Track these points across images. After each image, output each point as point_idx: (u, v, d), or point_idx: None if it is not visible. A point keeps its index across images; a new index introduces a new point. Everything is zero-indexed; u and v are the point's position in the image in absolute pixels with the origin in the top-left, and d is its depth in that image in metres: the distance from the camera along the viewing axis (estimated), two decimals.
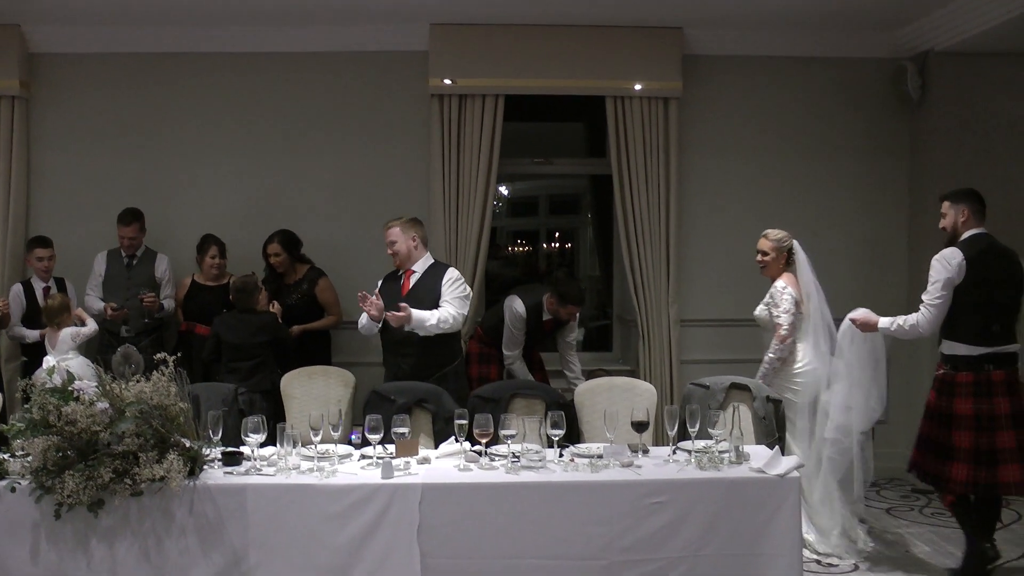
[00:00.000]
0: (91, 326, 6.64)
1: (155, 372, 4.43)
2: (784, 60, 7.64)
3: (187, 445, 4.32)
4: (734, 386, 5.59)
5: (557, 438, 4.53)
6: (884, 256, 7.63)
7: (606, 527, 4.21)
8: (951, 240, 5.50)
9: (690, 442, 4.65)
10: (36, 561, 4.15)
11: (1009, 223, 7.26)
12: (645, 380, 6.72)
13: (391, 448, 4.62)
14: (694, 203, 7.56)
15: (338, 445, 4.66)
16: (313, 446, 4.57)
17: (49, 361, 6.38)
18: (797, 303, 5.88)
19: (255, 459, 4.44)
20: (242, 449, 4.51)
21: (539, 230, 12.06)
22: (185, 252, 7.29)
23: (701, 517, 4.22)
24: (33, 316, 6.94)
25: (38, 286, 7.04)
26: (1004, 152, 7.34)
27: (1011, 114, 7.34)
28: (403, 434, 4.60)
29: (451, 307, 5.76)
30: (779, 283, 5.95)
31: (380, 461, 4.45)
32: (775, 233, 6.05)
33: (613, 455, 4.48)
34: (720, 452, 4.47)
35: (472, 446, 4.59)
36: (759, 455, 4.47)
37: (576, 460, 4.49)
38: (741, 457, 4.45)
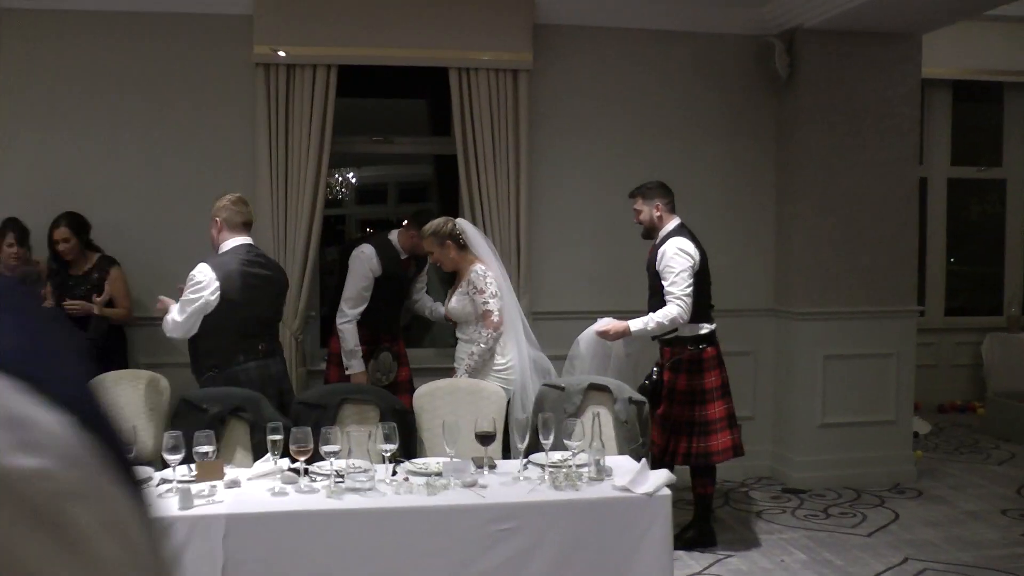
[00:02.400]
0: None
1: None
2: (643, 33, 7.03)
3: None
4: (592, 387, 5.01)
5: (388, 453, 3.89)
6: (751, 242, 7.18)
7: (445, 558, 3.60)
8: (648, 233, 5.74)
9: (543, 455, 4.05)
10: None
11: (879, 207, 6.97)
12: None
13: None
14: (546, 185, 6.89)
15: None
16: None
17: None
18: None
19: None
20: None
21: (389, 218, 11.55)
22: None
23: (557, 544, 3.62)
24: None
25: None
26: (872, 134, 6.96)
27: (879, 95, 6.97)
28: (206, 453, 3.89)
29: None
30: (477, 267, 5.44)
31: (179, 487, 3.73)
32: (429, 227, 5.55)
33: (454, 472, 3.85)
34: (578, 467, 3.88)
35: (292, 463, 3.92)
36: (623, 469, 3.90)
37: (411, 480, 3.85)
38: (602, 472, 3.86)
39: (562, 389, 5.00)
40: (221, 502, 3.68)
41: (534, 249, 6.80)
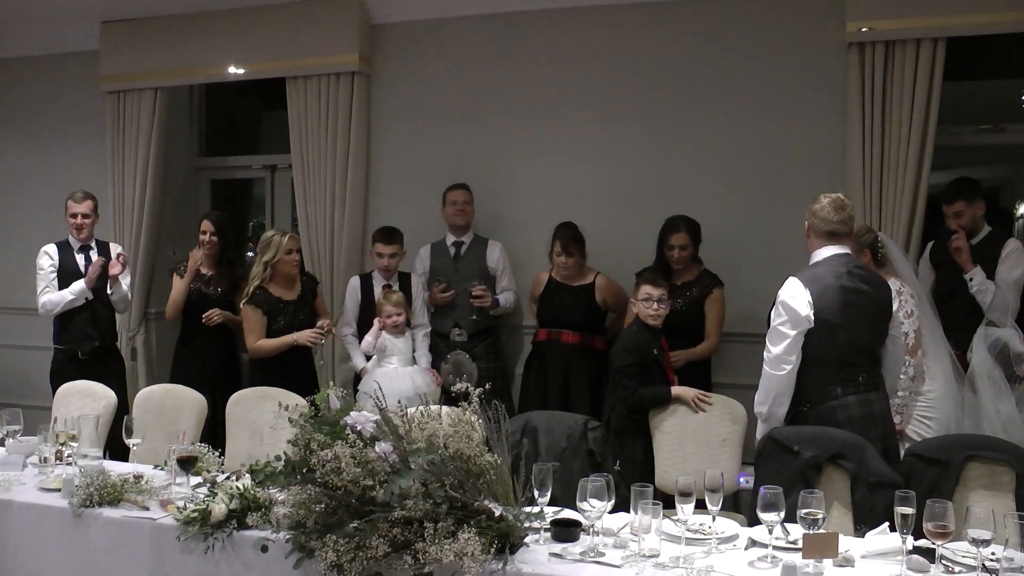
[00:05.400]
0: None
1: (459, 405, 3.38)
2: None
3: (497, 513, 3.15)
4: None
5: None
6: None
7: None
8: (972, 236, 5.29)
9: None
10: None
11: None
12: None
13: (795, 532, 3.24)
14: None
15: (716, 518, 3.35)
16: (681, 522, 3.28)
17: (369, 369, 5.69)
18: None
19: (596, 534, 3.24)
20: (581, 518, 3.33)
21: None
22: (532, 241, 6.27)
23: None
24: (370, 316, 6.04)
25: (378, 283, 6.16)
26: None
27: None
28: (815, 521, 3.17)
29: None
30: (892, 282, 4.68)
31: (777, 557, 3.11)
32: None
33: None
34: None
35: (915, 540, 3.12)
36: None
37: None
38: None
39: None
40: None
41: None
